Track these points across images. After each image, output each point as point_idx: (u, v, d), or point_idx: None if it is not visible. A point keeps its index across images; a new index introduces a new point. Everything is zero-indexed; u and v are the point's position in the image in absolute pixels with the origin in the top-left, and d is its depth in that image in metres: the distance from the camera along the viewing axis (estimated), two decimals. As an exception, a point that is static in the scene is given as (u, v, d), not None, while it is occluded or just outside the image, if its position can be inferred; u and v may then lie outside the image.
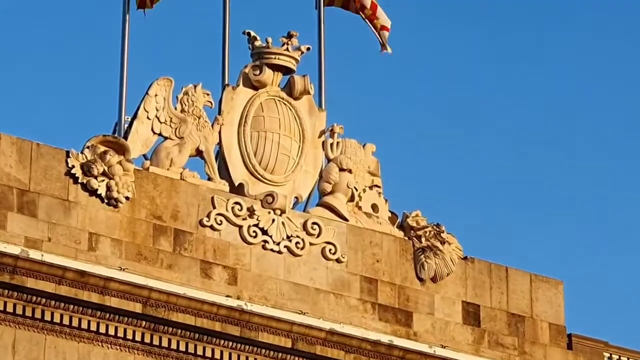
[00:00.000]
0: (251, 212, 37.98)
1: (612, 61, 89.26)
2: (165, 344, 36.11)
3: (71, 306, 35.21)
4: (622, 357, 42.76)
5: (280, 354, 37.21)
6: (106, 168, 36.55)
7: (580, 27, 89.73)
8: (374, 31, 42.76)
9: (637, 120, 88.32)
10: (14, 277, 34.61)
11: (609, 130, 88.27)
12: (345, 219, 39.11)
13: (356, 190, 39.42)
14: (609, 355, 42.39)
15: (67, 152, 36.46)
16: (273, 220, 38.18)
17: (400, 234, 39.67)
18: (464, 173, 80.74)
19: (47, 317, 35.10)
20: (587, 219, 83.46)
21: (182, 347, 36.35)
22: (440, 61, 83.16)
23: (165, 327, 36.10)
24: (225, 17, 40.55)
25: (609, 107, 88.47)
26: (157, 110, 37.98)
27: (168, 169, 37.65)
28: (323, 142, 39.70)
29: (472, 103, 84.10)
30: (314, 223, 38.60)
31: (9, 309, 34.76)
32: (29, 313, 34.93)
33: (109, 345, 35.70)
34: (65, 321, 35.21)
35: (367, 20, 42.64)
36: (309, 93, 39.66)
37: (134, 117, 37.88)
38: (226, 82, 39.46)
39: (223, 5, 40.67)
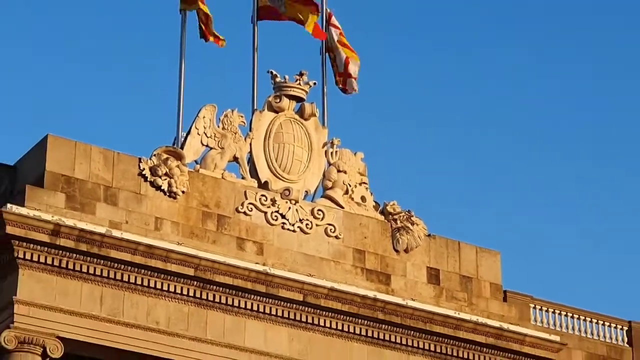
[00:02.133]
0: (273, 201, 38.04)
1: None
2: (210, 298, 36.17)
3: (142, 270, 35.45)
4: (543, 307, 42.24)
5: (294, 305, 37.00)
6: (168, 170, 36.75)
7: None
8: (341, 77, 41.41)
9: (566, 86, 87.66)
10: (101, 249, 34.90)
11: (543, 100, 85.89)
12: (342, 207, 39.07)
13: (349, 186, 39.40)
14: (533, 305, 41.99)
15: (140, 159, 36.72)
16: (289, 208, 38.21)
17: (381, 217, 39.53)
18: (428, 172, 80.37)
19: (125, 279, 35.31)
20: (520, 198, 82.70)
21: (223, 300, 36.33)
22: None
23: (211, 286, 36.13)
24: (254, 59, 40.43)
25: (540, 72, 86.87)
26: (204, 127, 37.97)
27: (213, 171, 37.72)
28: (325, 151, 39.55)
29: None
30: (319, 210, 38.61)
31: (98, 272, 34.99)
32: (112, 275, 35.16)
33: (170, 299, 35.86)
34: (138, 282, 35.43)
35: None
36: (315, 115, 39.67)
37: (188, 132, 37.91)
38: (255, 108, 39.44)
39: (252, 51, 40.54)
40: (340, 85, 41.52)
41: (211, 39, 39.96)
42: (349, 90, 41.58)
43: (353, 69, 41.34)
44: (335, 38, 41.56)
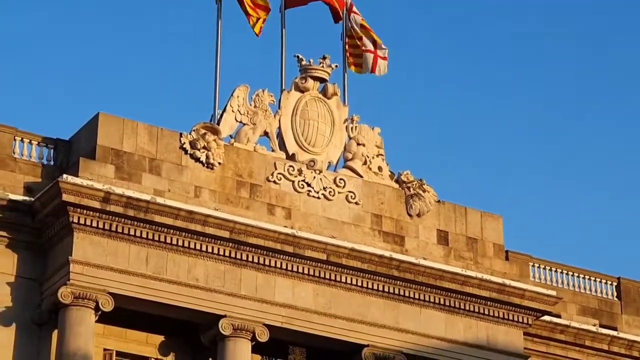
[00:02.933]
0: (300, 171, 37.98)
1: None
2: (244, 257, 36.20)
3: (183, 233, 35.51)
4: (540, 265, 42.21)
5: (318, 264, 36.96)
6: (205, 144, 36.80)
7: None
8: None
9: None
10: (147, 214, 35.01)
11: (548, 65, 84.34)
12: (361, 176, 38.95)
13: (367, 157, 39.25)
14: (532, 263, 41.99)
15: (180, 134, 36.77)
16: (314, 177, 38.14)
17: (396, 185, 39.42)
18: (438, 144, 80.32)
19: (168, 241, 35.40)
20: (521, 166, 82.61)
21: (255, 260, 36.34)
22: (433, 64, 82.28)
23: (244, 247, 36.16)
24: (282, 44, 40.32)
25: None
26: (238, 106, 37.94)
27: (246, 144, 37.70)
28: (346, 127, 39.40)
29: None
30: (340, 179, 38.51)
31: (144, 235, 35.11)
32: (156, 238, 35.25)
33: (207, 259, 35.93)
34: (179, 243, 35.49)
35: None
36: (337, 94, 39.56)
37: (224, 110, 37.86)
38: (283, 88, 39.32)
39: (280, 37, 40.43)
40: (353, 67, 41.14)
41: (252, 21, 39.86)
42: (379, 72, 41.23)
43: (382, 52, 41.10)
44: (358, 24, 41.36)
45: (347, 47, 41.24)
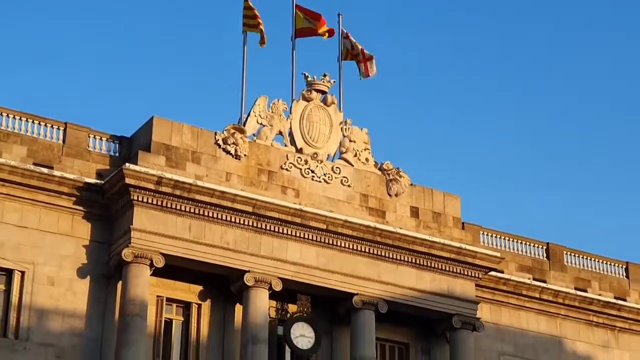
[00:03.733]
0: (306, 162, 37.88)
1: None
2: (263, 227, 36.11)
3: (217, 208, 35.40)
4: (488, 233, 41.95)
5: (320, 232, 36.81)
6: (234, 140, 36.72)
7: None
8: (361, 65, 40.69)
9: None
10: (190, 194, 34.90)
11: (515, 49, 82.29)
12: (352, 165, 38.78)
13: (357, 151, 38.99)
14: (482, 232, 41.72)
15: (215, 133, 36.69)
16: (317, 166, 38.01)
17: (379, 172, 39.21)
18: (411, 139, 79.94)
19: (206, 214, 35.28)
20: (476, 154, 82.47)
21: (272, 228, 36.26)
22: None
23: (263, 218, 36.06)
24: (293, 64, 39.99)
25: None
26: (259, 111, 37.79)
27: (265, 141, 37.57)
28: (341, 127, 39.13)
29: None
30: (337, 167, 38.40)
31: (187, 209, 34.92)
32: (196, 211, 35.15)
33: (235, 228, 35.71)
34: (214, 216, 35.31)
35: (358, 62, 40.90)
36: (334, 103, 39.28)
37: (248, 115, 37.71)
38: (293, 98, 39.11)
39: (291, 59, 40.16)
40: (363, 70, 40.70)
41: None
42: (372, 73, 40.70)
43: (371, 63, 40.63)
44: (352, 45, 40.86)
45: (355, 59, 40.89)
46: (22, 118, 35.07)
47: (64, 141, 35.35)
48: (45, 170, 34.13)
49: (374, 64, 40.95)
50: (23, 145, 34.56)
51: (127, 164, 34.34)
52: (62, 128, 35.54)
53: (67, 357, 33.23)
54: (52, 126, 35.46)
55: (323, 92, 39.40)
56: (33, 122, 35.21)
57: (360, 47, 40.97)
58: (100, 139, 36.26)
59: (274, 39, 40.52)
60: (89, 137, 35.97)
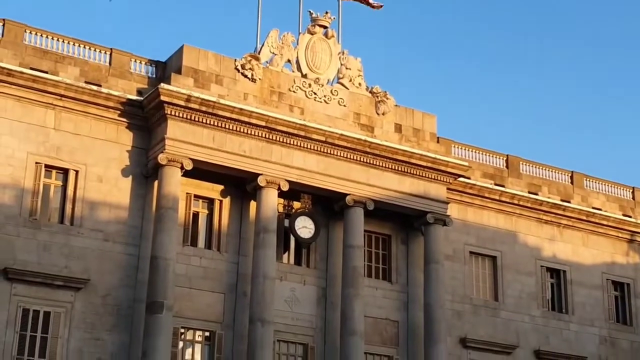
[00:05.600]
0: (310, 85, 37.75)
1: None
2: (274, 138, 35.66)
3: (236, 122, 35.02)
4: (458, 146, 41.63)
5: (320, 143, 36.64)
6: (251, 67, 36.56)
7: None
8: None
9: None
10: (214, 110, 34.65)
11: None
12: (348, 89, 38.57)
13: (352, 77, 38.69)
14: (453, 145, 41.40)
15: (235, 60, 36.43)
16: (318, 89, 37.85)
17: (370, 95, 39.02)
18: (396, 66, 79.65)
19: (227, 127, 34.95)
20: (452, 76, 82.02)
21: (281, 140, 35.97)
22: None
23: (274, 131, 35.80)
24: (300, 2, 39.04)
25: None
26: (271, 42, 37.53)
27: (276, 67, 37.34)
28: (339, 57, 38.78)
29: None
30: (335, 90, 38.27)
31: (212, 122, 34.71)
32: (219, 124, 34.88)
33: (251, 138, 35.25)
34: (234, 128, 35.05)
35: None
36: (334, 36, 38.88)
37: (262, 45, 37.37)
38: (300, 31, 38.70)
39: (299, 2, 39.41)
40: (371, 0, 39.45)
41: None
42: (376, 5, 39.44)
43: None
44: None
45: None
46: (75, 43, 34.86)
47: (110, 64, 35.11)
48: (94, 87, 34.05)
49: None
50: (76, 66, 34.35)
51: (162, 84, 34.06)
52: (109, 53, 35.33)
53: (113, 240, 33.44)
54: (100, 51, 35.22)
55: (325, 27, 38.89)
56: (84, 47, 34.98)
57: None
58: (140, 62, 35.92)
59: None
60: (131, 60, 35.61)
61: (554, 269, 42.55)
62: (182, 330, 33.77)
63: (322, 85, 38.02)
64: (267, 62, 37.38)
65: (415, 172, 38.67)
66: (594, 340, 42.35)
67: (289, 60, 37.87)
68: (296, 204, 37.11)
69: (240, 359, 34.17)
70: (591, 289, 43.04)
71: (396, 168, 38.37)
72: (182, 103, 34.29)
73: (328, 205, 37.65)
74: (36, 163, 33.06)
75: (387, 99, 39.08)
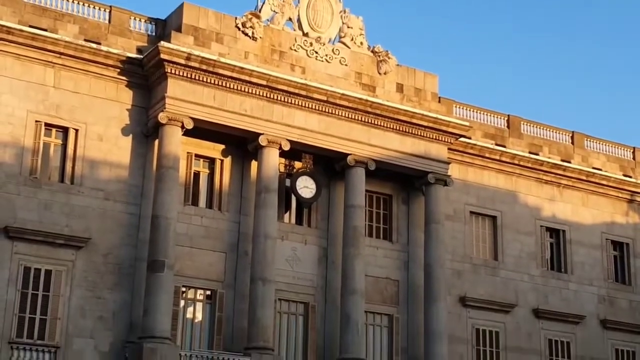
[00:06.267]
0: (311, 44, 37.38)
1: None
2: (275, 97, 35.37)
3: (237, 81, 34.74)
4: (460, 106, 41.15)
5: (321, 102, 36.20)
6: (252, 25, 36.15)
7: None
8: None
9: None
10: (214, 68, 34.30)
11: None
12: (349, 48, 38.10)
13: (354, 36, 38.18)
14: (455, 105, 40.69)
15: (236, 18, 35.95)
16: (320, 48, 37.46)
17: (371, 54, 38.56)
18: (398, 24, 79.01)
19: (228, 85, 34.66)
20: (453, 38, 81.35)
21: (282, 99, 35.70)
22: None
23: (276, 90, 35.44)
24: None
25: None
26: (273, 0, 37.06)
27: (277, 25, 36.97)
28: (341, 15, 38.28)
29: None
30: (336, 49, 37.87)
31: (212, 81, 34.32)
32: (220, 83, 34.56)
33: (252, 97, 35.02)
34: (234, 87, 34.76)
35: None
36: None
37: (263, 3, 36.92)
38: None
39: None
40: None
41: None
42: None
43: None
44: None
45: None
46: (75, 1, 34.29)
47: (109, 21, 34.70)
48: (94, 45, 33.65)
49: None
50: (75, 24, 33.88)
51: (162, 42, 33.66)
52: (108, 10, 34.93)
53: (113, 199, 33.29)
54: (99, 8, 34.80)
55: (325, -15, 38.50)
56: (84, 4, 34.52)
57: None
58: (140, 20, 35.47)
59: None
60: (130, 18, 35.13)
61: (554, 229, 42.57)
62: (184, 289, 33.84)
63: (324, 44, 37.61)
64: (268, 20, 36.92)
65: (416, 132, 38.37)
66: (592, 299, 42.39)
67: (290, 19, 37.37)
68: (297, 164, 36.90)
69: (242, 317, 34.24)
70: (590, 248, 43.01)
71: (397, 128, 38.07)
72: (182, 61, 33.85)
73: (329, 165, 37.50)
74: (36, 121, 32.83)
75: (389, 58, 38.69)
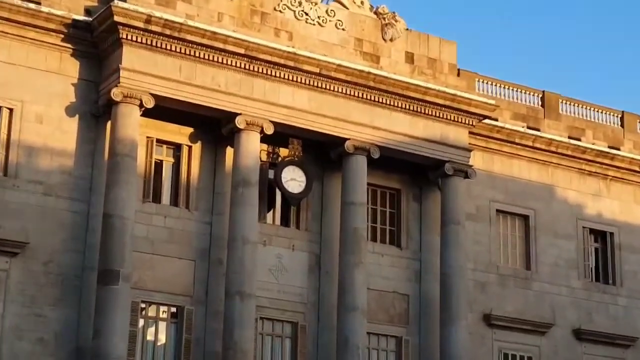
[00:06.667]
0: (300, 3, 36.31)
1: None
2: (255, 69, 34.89)
3: (208, 49, 34.11)
4: (483, 80, 41.31)
5: (313, 76, 35.60)
6: None
7: None
8: None
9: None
10: (180, 33, 33.63)
11: None
12: (347, 8, 37.32)
13: None
14: (477, 79, 41.01)
15: None
16: (311, 8, 36.50)
17: (375, 16, 37.80)
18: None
19: (196, 54, 33.84)
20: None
21: (264, 71, 34.92)
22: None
23: (256, 61, 34.77)
24: None
25: None
26: None
27: None
28: None
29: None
30: (331, 10, 36.89)
31: (178, 49, 33.78)
32: (187, 52, 33.91)
33: (227, 69, 34.54)
34: (205, 57, 34.20)
35: None
36: None
37: None
38: None
39: None
40: None
41: None
42: None
43: None
44: None
45: None
46: (8, -49, 33.23)
47: (51, -25, 33.65)
48: (32, 5, 32.53)
49: None
50: (10, -20, 32.97)
51: (115, 1, 32.49)
52: (49, -38, 33.71)
53: (55, 194, 32.48)
54: (38, -40, 33.63)
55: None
56: (21, -43, 33.35)
57: None
58: (90, -26, 34.16)
59: None
60: (78, -28, 33.94)
61: (599, 231, 42.26)
62: (143, 306, 33.27)
63: (316, 4, 36.41)
64: (265, -10, 35.61)
65: (430, 112, 37.40)
66: (646, 317, 41.68)
67: (282, -16, 36.08)
68: (283, 151, 35.92)
69: (215, 340, 33.54)
70: (644, 255, 42.20)
71: (407, 107, 37.09)
72: (141, 25, 32.69)
73: (323, 153, 36.55)
74: (-41, 99, 31.69)
75: (396, 21, 37.72)
